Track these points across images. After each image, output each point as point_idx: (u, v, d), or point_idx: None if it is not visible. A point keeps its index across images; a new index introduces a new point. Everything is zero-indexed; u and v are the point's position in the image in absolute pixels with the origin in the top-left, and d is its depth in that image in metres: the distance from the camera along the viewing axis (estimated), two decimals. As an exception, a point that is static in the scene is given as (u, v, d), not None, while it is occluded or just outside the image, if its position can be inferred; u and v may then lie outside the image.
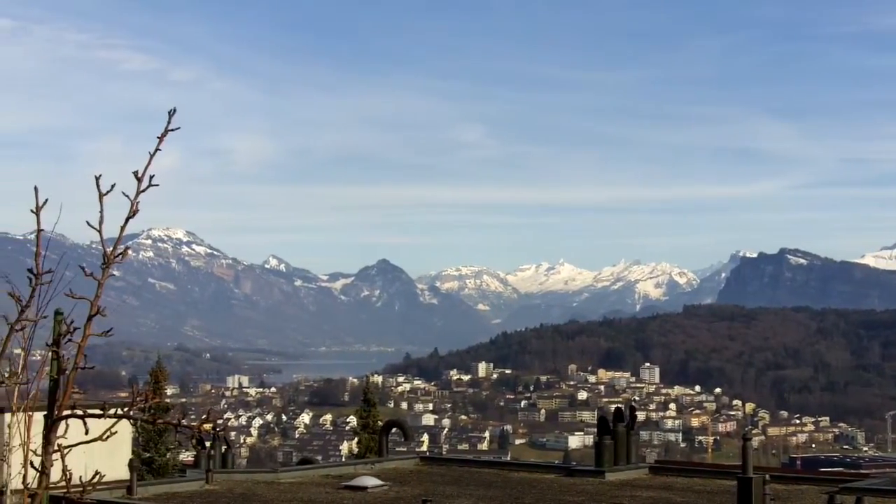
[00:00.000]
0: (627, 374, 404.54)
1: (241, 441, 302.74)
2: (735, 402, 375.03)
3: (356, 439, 78.65)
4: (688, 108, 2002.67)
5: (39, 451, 6.97)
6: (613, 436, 36.56)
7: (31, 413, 7.33)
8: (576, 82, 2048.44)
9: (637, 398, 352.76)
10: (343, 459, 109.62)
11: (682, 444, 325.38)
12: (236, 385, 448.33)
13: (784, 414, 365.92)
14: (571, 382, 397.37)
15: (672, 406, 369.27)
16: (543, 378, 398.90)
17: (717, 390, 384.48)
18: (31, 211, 6.84)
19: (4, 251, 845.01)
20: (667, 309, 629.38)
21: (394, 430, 47.32)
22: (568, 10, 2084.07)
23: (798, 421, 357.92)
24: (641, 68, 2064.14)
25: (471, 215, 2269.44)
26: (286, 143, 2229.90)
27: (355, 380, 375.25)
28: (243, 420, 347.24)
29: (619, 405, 62.52)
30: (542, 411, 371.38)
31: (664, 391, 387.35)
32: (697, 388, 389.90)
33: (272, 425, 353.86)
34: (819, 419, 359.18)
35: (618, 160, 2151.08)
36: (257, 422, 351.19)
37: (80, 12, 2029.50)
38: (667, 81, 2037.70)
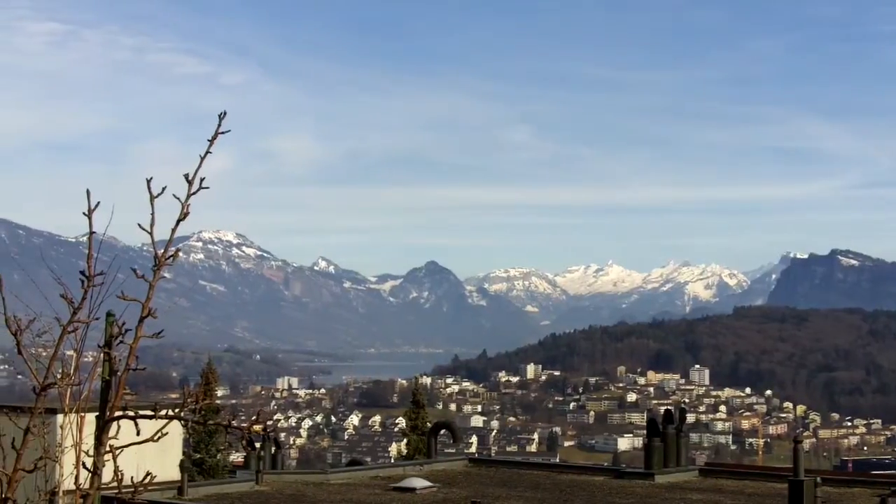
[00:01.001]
0: (677, 376, 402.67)
1: (291, 442, 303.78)
2: (786, 404, 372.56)
3: (405, 441, 78.86)
4: (739, 107, 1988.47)
5: (91, 452, 7.03)
6: (663, 438, 36.43)
7: (83, 414, 7.39)
8: (625, 82, 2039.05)
9: (687, 400, 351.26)
10: (392, 461, 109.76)
11: (733, 447, 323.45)
12: (286, 386, 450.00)
13: (835, 416, 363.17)
14: (620, 384, 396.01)
15: (722, 408, 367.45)
16: (592, 380, 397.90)
17: (768, 392, 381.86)
18: (84, 213, 6.90)
19: (57, 253, 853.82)
20: (717, 310, 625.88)
21: (442, 431, 47.38)
22: (617, 10, 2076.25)
23: (850, 423, 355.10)
24: (690, 68, 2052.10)
25: (519, 216, 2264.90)
26: (336, 145, 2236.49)
27: (404, 381, 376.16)
28: (293, 421, 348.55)
29: (669, 407, 62.35)
30: (591, 413, 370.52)
31: (714, 393, 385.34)
32: (748, 390, 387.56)
33: (321, 426, 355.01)
34: (871, 422, 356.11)
35: (667, 160, 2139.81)
36: (307, 423, 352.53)
37: (132, 17, 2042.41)
38: (717, 81, 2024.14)
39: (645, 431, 39.08)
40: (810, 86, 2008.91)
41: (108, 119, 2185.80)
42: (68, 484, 7.32)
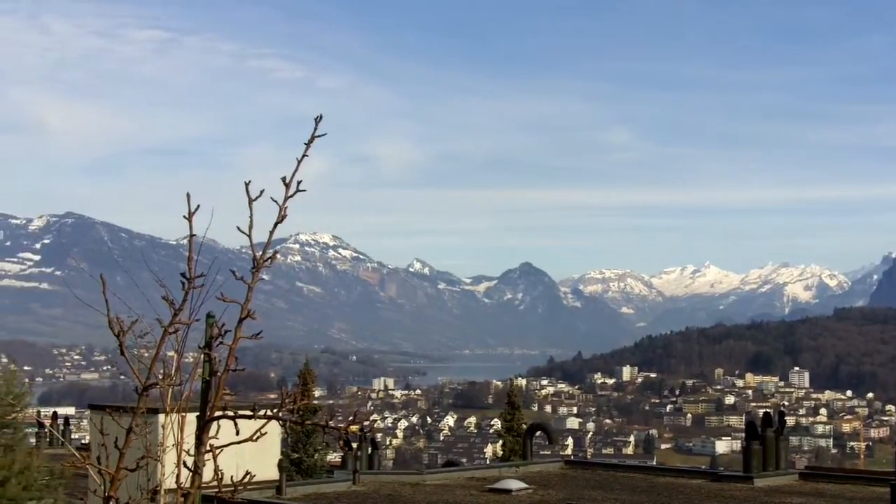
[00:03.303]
0: (776, 379, 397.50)
1: (387, 443, 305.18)
2: (888, 407, 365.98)
3: (500, 442, 78.72)
4: (840, 106, 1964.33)
5: (192, 452, 7.13)
6: (762, 441, 36.02)
7: (184, 414, 7.50)
8: (725, 83, 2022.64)
9: (786, 403, 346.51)
10: (487, 462, 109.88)
11: (834, 450, 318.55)
12: (382, 387, 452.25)
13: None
14: (718, 387, 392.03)
15: (822, 411, 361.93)
16: (689, 382, 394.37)
17: (870, 395, 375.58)
18: (184, 216, 7.00)
19: (158, 256, 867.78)
20: (817, 312, 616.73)
21: (538, 433, 47.27)
22: (718, 9, 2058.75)
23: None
24: (791, 68, 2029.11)
25: (615, 218, 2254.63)
26: (431, 148, 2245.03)
27: (499, 382, 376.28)
28: (389, 422, 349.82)
29: (768, 410, 61.57)
30: (689, 416, 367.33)
31: (814, 396, 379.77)
32: (849, 392, 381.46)
33: (417, 427, 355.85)
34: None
35: (765, 160, 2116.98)
36: (403, 424, 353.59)
37: (230, 23, 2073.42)
38: (821, 80, 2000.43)
39: (743, 434, 38.65)
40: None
41: (208, 124, 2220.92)
42: (170, 483, 7.43)
